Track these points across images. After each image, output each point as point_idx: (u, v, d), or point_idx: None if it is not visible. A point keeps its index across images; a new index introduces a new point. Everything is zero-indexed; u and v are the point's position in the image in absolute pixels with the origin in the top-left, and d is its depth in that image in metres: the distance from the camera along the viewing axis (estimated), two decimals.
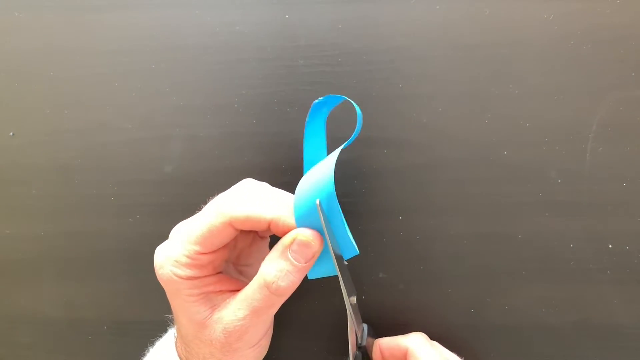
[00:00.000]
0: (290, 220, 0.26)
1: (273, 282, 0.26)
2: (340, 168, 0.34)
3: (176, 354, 0.30)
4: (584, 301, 0.32)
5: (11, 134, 0.37)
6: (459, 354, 0.32)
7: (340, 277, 0.27)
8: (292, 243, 0.26)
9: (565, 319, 0.32)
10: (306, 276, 0.29)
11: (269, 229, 0.27)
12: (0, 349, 0.38)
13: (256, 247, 0.32)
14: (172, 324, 0.31)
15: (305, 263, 0.26)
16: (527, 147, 0.32)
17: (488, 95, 0.32)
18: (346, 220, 0.34)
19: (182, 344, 0.29)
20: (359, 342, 0.30)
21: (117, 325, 0.37)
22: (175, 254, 0.27)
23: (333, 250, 0.27)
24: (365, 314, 0.34)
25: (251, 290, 0.26)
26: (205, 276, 0.27)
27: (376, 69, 0.33)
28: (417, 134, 0.33)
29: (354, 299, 0.29)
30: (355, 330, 0.30)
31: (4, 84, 0.37)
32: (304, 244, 0.26)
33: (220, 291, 0.28)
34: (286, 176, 0.34)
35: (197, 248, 0.26)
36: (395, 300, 0.34)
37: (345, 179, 0.34)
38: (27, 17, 0.36)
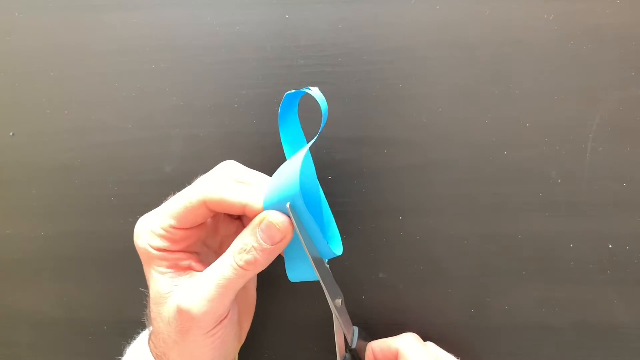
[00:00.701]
0: (259, 205, 0.27)
1: (236, 254, 0.26)
2: (340, 168, 0.34)
3: (148, 349, 0.30)
4: (584, 301, 0.32)
5: (11, 134, 0.37)
6: (458, 354, 0.31)
7: (321, 281, 0.27)
8: (260, 222, 0.26)
9: (565, 319, 0.32)
10: (287, 277, 0.28)
11: (243, 213, 0.27)
12: (0, 349, 0.38)
13: (227, 227, 0.32)
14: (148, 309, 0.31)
15: (272, 245, 0.26)
16: (527, 147, 0.32)
17: (488, 95, 0.32)
18: (347, 221, 0.34)
19: (152, 325, 0.29)
20: (349, 344, 0.30)
21: (117, 325, 0.37)
22: (152, 225, 0.28)
23: (311, 254, 0.27)
24: (364, 314, 0.34)
25: (217, 265, 0.27)
26: (177, 251, 0.28)
27: (376, 69, 0.33)
28: (417, 134, 0.33)
29: (339, 302, 0.29)
30: (343, 332, 0.29)
31: (4, 84, 0.37)
32: (271, 225, 0.26)
33: (189, 268, 0.28)
34: None
35: (172, 222, 0.27)
36: (395, 300, 0.34)
37: (345, 179, 0.34)
38: (27, 17, 0.36)
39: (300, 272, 0.28)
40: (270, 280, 0.34)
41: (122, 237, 0.36)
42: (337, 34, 0.33)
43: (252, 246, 0.26)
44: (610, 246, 0.32)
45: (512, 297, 0.33)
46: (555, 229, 0.32)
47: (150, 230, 0.28)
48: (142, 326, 0.36)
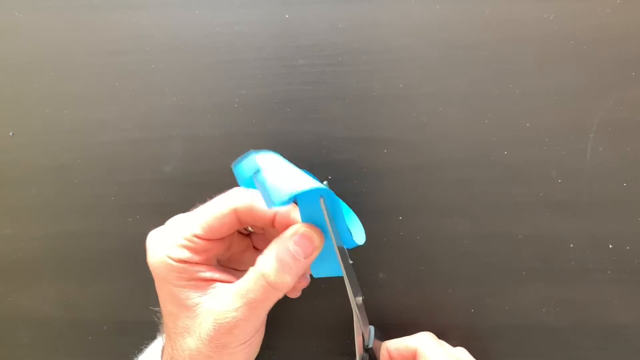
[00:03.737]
0: (294, 214, 0.26)
1: (271, 274, 0.25)
2: (340, 168, 0.34)
3: None
4: (584, 301, 0.32)
5: (11, 134, 0.37)
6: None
7: (345, 276, 0.27)
8: (294, 235, 0.25)
9: (565, 319, 0.32)
10: (311, 275, 0.29)
11: (272, 224, 0.26)
12: (0, 349, 0.38)
13: (248, 255, 0.32)
14: (160, 324, 0.30)
15: (305, 258, 0.25)
16: (527, 147, 0.32)
17: (488, 95, 0.32)
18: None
19: (169, 342, 0.28)
20: (366, 343, 0.30)
21: (117, 325, 0.37)
22: (171, 237, 0.27)
23: (338, 249, 0.26)
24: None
25: (247, 282, 0.26)
26: (198, 263, 0.27)
27: (376, 69, 0.33)
28: (417, 134, 0.33)
29: (360, 300, 0.29)
30: (362, 331, 0.29)
31: (4, 84, 0.37)
32: (307, 237, 0.25)
33: (212, 280, 0.27)
34: None
35: (197, 232, 0.26)
36: (395, 301, 0.34)
37: (345, 179, 0.34)
38: (27, 17, 0.36)
39: (326, 267, 0.27)
40: None
41: (122, 237, 0.36)
42: (337, 34, 0.33)
43: (286, 263, 0.25)
44: (610, 246, 0.32)
45: (512, 297, 0.33)
46: (555, 229, 0.32)
47: (170, 243, 0.26)
48: (142, 326, 0.36)
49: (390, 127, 0.33)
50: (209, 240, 0.27)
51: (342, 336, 0.34)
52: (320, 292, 0.34)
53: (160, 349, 0.29)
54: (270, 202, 0.24)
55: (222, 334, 0.25)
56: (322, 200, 0.25)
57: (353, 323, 0.29)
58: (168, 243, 0.27)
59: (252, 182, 0.27)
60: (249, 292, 0.25)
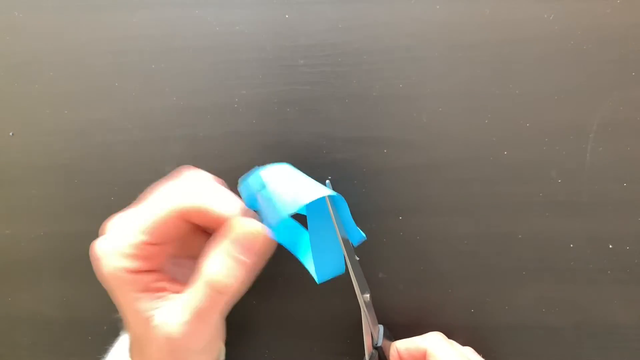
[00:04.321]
0: (244, 216, 0.24)
1: (215, 281, 0.24)
2: (340, 168, 0.34)
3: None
4: (584, 301, 0.32)
5: (11, 134, 0.37)
6: None
7: (352, 273, 0.27)
8: (235, 236, 0.24)
9: (565, 319, 0.32)
10: (315, 280, 0.29)
11: (218, 223, 0.25)
12: (0, 349, 0.38)
13: (197, 238, 0.29)
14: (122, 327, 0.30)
15: (250, 259, 0.24)
16: (527, 147, 0.32)
17: (488, 95, 0.32)
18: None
19: (135, 347, 0.27)
20: (375, 342, 0.30)
21: (117, 325, 0.37)
22: (119, 246, 0.25)
23: (344, 244, 0.26)
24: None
25: (194, 291, 0.24)
26: (149, 271, 0.26)
27: (376, 69, 0.33)
28: (417, 134, 0.33)
29: (367, 297, 0.28)
30: (370, 329, 0.29)
31: (4, 84, 0.37)
32: (249, 237, 0.24)
33: (164, 289, 0.26)
34: None
35: (144, 238, 0.25)
36: (395, 301, 0.34)
37: (345, 179, 0.34)
38: (27, 17, 0.36)
39: (330, 266, 0.27)
40: (269, 280, 0.34)
41: None
42: (337, 34, 0.33)
43: (232, 266, 0.24)
44: (610, 246, 0.32)
45: (512, 297, 0.33)
46: (555, 229, 0.32)
47: (119, 252, 0.25)
48: None
49: (390, 127, 0.33)
50: (157, 245, 0.25)
51: (342, 336, 0.34)
52: (320, 291, 0.34)
53: (128, 349, 0.29)
54: (275, 217, 0.23)
55: (177, 347, 0.25)
56: (327, 198, 0.25)
57: (361, 321, 0.29)
58: (116, 253, 0.25)
59: (256, 201, 0.26)
60: (195, 301, 0.24)
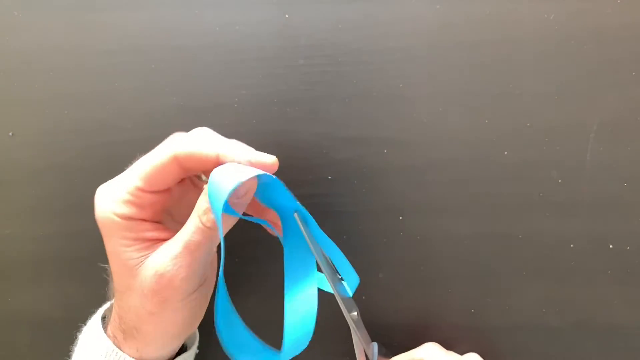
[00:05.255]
0: (239, 155, 0.25)
1: (202, 215, 0.24)
2: (340, 168, 0.34)
3: (102, 331, 0.28)
4: (584, 301, 0.32)
5: (11, 134, 0.37)
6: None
7: (335, 293, 0.27)
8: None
9: (565, 319, 0.32)
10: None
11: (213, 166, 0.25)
12: (0, 349, 0.38)
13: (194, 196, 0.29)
14: (109, 281, 0.30)
15: (237, 199, 0.24)
16: (527, 147, 0.32)
17: (488, 95, 0.32)
18: (346, 221, 0.34)
19: (116, 300, 0.28)
20: None
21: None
22: (115, 192, 0.26)
23: (323, 263, 0.26)
24: (365, 315, 0.34)
25: (185, 228, 0.25)
26: (143, 219, 0.26)
27: (376, 69, 0.33)
28: (417, 134, 0.33)
29: (355, 315, 0.28)
30: (364, 348, 0.29)
31: (4, 84, 0.37)
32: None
33: (157, 239, 0.26)
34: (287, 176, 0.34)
35: (139, 184, 0.25)
36: (395, 301, 0.34)
37: (346, 179, 0.34)
38: (27, 17, 0.36)
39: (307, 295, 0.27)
40: (269, 280, 0.34)
41: None
42: (337, 34, 0.33)
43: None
44: (610, 246, 0.32)
45: (512, 297, 0.33)
46: (555, 229, 0.32)
47: (115, 198, 0.26)
48: None
49: (390, 127, 0.33)
50: (153, 192, 0.26)
51: (342, 336, 0.34)
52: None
53: (101, 314, 0.30)
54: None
55: (163, 286, 0.25)
56: (296, 215, 0.25)
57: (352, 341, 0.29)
58: (113, 198, 0.26)
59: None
60: (185, 235, 0.25)
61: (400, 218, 0.33)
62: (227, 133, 0.35)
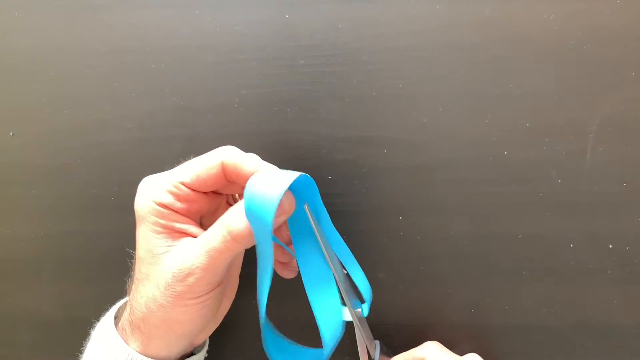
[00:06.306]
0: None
1: (234, 227, 0.25)
2: (340, 168, 0.34)
3: (114, 329, 0.29)
4: (584, 301, 0.32)
5: (11, 134, 0.37)
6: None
7: (341, 287, 0.27)
8: None
9: (565, 319, 0.32)
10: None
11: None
12: (0, 349, 0.38)
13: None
14: (132, 268, 0.30)
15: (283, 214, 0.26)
16: (527, 147, 0.32)
17: (488, 95, 0.32)
18: (346, 221, 0.34)
19: (133, 286, 0.29)
20: (372, 359, 0.30)
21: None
22: (160, 183, 0.28)
23: (330, 257, 0.26)
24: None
25: (210, 232, 0.26)
26: (178, 212, 0.28)
27: (376, 69, 0.33)
28: (417, 134, 0.33)
29: (359, 312, 0.28)
30: (365, 345, 0.29)
31: (4, 83, 0.37)
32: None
33: (185, 233, 0.28)
34: None
35: (183, 179, 0.27)
36: (395, 300, 0.34)
37: (345, 179, 0.34)
38: (27, 17, 0.36)
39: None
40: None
41: (122, 237, 0.36)
42: (337, 34, 0.33)
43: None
44: (610, 246, 0.32)
45: (512, 297, 0.33)
46: (555, 229, 0.32)
47: (157, 187, 0.27)
48: None
49: (390, 127, 0.33)
50: (194, 190, 0.28)
51: (344, 335, 0.34)
52: None
53: (116, 307, 0.31)
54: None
55: (178, 281, 0.26)
56: (306, 206, 0.25)
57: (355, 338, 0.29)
58: (156, 187, 0.27)
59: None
60: (209, 241, 0.26)
61: (400, 218, 0.33)
62: (227, 133, 0.35)
